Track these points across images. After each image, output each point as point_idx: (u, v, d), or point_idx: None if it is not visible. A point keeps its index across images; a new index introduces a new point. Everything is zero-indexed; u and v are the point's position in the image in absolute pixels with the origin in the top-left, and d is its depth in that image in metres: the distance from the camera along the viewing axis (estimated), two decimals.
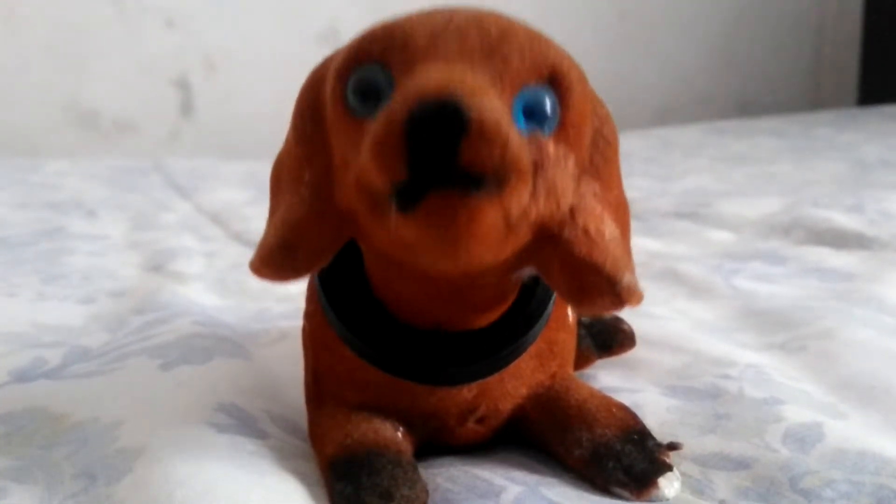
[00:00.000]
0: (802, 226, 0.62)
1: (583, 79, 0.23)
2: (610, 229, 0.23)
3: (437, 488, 0.26)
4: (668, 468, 0.26)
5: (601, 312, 0.23)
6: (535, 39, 0.22)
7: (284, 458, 0.27)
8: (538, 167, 0.21)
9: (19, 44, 1.21)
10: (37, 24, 1.22)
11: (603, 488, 0.26)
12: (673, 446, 0.28)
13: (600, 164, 0.24)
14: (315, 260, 0.24)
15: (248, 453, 0.26)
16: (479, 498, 0.25)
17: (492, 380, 0.27)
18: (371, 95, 0.22)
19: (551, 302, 0.27)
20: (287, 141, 0.26)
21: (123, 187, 0.92)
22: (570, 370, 0.30)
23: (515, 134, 0.20)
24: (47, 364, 0.36)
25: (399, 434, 0.27)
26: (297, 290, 0.51)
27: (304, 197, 0.23)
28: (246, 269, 0.59)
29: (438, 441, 0.28)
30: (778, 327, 0.40)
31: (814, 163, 1.01)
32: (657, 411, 0.31)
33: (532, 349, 0.27)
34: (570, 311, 0.30)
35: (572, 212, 0.22)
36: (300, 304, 0.30)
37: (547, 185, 0.21)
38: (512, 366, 0.27)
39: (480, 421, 0.28)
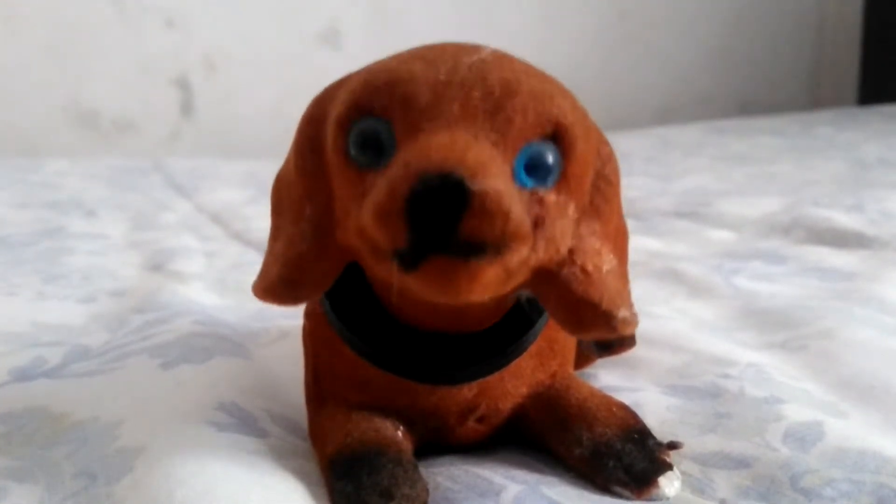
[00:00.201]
0: (803, 225, 0.62)
1: (587, 130, 0.23)
2: (608, 261, 0.23)
3: (438, 487, 0.26)
4: (669, 467, 0.26)
5: (595, 339, 0.24)
6: (538, 95, 0.22)
7: (285, 457, 0.27)
8: (539, 222, 0.21)
9: (19, 44, 1.21)
10: (37, 24, 1.22)
11: (603, 487, 0.26)
12: (673, 445, 0.28)
13: (601, 204, 0.24)
14: (317, 290, 0.24)
15: (248, 452, 0.26)
16: (480, 497, 0.25)
17: (492, 379, 0.27)
18: (372, 147, 0.22)
19: None
20: (288, 161, 0.26)
21: (123, 187, 0.92)
22: (571, 369, 0.30)
23: (517, 206, 0.20)
24: (47, 363, 0.36)
25: (399, 433, 0.27)
26: None
27: (305, 233, 0.24)
28: (246, 269, 0.59)
29: (439, 440, 0.28)
30: (778, 327, 0.40)
31: (814, 162, 1.01)
32: (657, 410, 0.31)
33: (532, 348, 0.27)
34: None
35: (571, 253, 0.23)
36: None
37: (547, 237, 0.22)
38: (512, 365, 0.27)
39: (481, 420, 0.28)
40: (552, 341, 0.28)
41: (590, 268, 0.23)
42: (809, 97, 1.96)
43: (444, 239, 0.19)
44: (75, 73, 1.26)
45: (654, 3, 1.72)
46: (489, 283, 0.20)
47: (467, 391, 0.27)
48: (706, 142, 1.25)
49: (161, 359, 0.35)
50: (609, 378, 0.35)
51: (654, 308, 0.45)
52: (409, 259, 0.20)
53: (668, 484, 0.25)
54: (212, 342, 0.37)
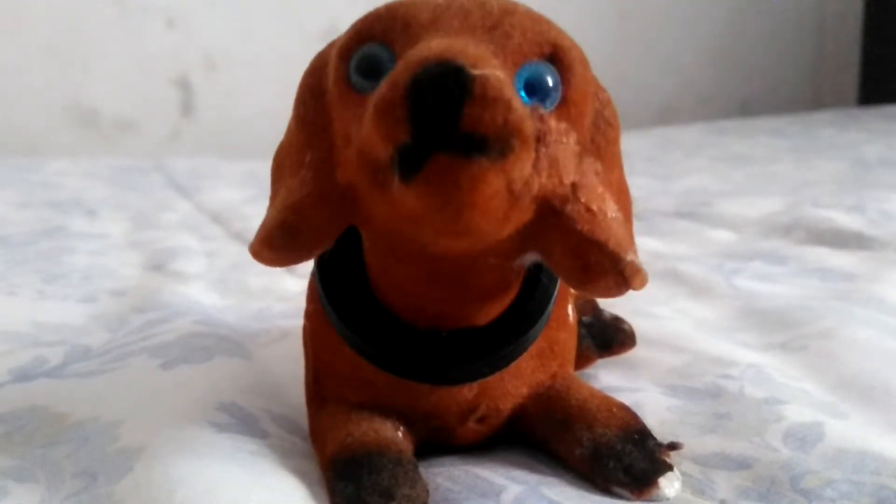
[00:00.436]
0: (803, 226, 0.62)
1: (584, 60, 0.23)
2: (612, 209, 0.23)
3: (438, 487, 0.26)
4: (669, 468, 0.26)
5: (605, 294, 0.23)
6: (537, 18, 0.22)
7: (285, 457, 0.27)
8: (540, 139, 0.21)
9: (20, 43, 1.21)
10: (37, 24, 1.22)
11: (603, 488, 0.26)
12: (673, 446, 0.28)
13: (602, 144, 0.24)
14: (315, 242, 0.24)
15: (248, 452, 0.26)
16: (480, 497, 0.25)
17: (492, 379, 0.27)
18: (373, 72, 0.22)
19: (552, 301, 0.27)
20: (288, 130, 0.26)
21: (124, 187, 0.92)
22: (571, 370, 0.30)
23: (518, 100, 0.20)
24: (48, 363, 0.36)
25: (399, 433, 0.27)
26: (297, 289, 0.51)
27: (306, 178, 0.23)
28: (247, 269, 0.59)
29: (439, 440, 0.28)
30: (778, 327, 0.40)
31: (814, 162, 1.01)
32: (657, 411, 0.31)
33: (533, 349, 0.27)
34: (570, 311, 0.30)
35: (574, 188, 0.22)
36: (301, 303, 0.30)
37: (549, 158, 0.21)
38: (512, 365, 0.27)
39: (481, 420, 0.28)
40: (553, 342, 0.28)
41: (594, 207, 0.22)
42: (810, 97, 1.96)
43: (447, 133, 0.19)
44: (75, 73, 1.26)
45: (654, 3, 1.72)
46: (492, 196, 0.20)
47: (467, 391, 0.27)
48: (707, 142, 1.26)
49: (161, 359, 0.35)
50: (609, 378, 0.35)
51: (654, 308, 0.45)
52: (411, 160, 0.19)
53: (669, 484, 0.25)
54: (212, 342, 0.37)
